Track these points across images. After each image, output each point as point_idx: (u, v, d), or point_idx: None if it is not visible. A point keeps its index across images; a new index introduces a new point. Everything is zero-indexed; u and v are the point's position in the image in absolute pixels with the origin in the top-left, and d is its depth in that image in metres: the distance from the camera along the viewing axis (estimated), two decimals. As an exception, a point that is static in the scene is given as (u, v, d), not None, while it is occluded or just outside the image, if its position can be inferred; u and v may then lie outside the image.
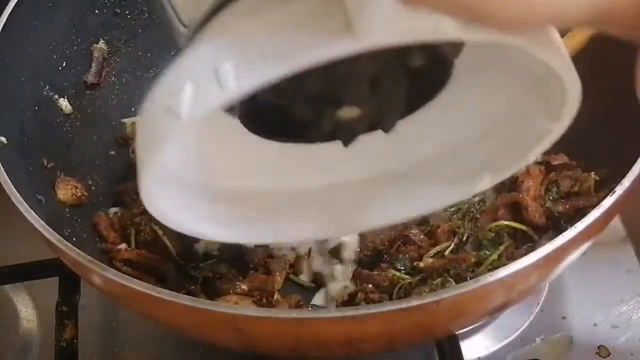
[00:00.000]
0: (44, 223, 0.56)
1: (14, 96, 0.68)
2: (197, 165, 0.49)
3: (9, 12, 0.68)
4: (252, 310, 0.54)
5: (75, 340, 0.66)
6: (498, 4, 0.32)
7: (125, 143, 0.77)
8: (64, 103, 0.74)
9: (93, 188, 0.72)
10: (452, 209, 0.70)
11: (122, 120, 0.79)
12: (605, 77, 0.59)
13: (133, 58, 0.81)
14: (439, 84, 0.45)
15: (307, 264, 0.70)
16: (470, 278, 0.61)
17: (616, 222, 0.75)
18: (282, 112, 0.42)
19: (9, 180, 0.58)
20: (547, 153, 0.70)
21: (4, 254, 0.76)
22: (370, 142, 0.47)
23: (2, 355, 0.72)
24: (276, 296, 0.66)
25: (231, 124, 0.44)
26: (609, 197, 0.54)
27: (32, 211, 0.57)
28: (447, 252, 0.67)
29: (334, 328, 0.51)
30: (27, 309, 0.75)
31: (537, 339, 0.68)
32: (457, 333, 0.62)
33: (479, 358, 0.68)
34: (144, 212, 0.68)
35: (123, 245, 0.67)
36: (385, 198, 0.53)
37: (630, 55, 0.37)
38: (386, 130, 0.45)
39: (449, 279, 0.64)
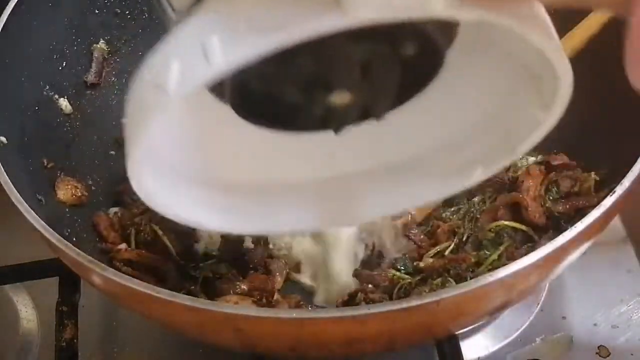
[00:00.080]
0: (44, 223, 0.56)
1: (14, 96, 0.68)
2: (190, 154, 0.49)
3: (9, 12, 0.68)
4: (252, 310, 0.54)
5: (75, 340, 0.66)
6: None
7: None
8: (64, 103, 0.74)
9: (93, 188, 0.72)
10: (452, 209, 0.70)
11: (122, 120, 0.78)
12: (605, 77, 0.59)
13: (133, 58, 0.80)
14: (431, 74, 0.45)
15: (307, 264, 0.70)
16: (470, 278, 0.61)
17: (616, 222, 0.75)
18: (273, 97, 0.42)
19: (9, 180, 0.58)
20: (547, 153, 0.70)
21: (4, 254, 0.76)
22: (363, 134, 0.46)
23: (2, 355, 0.72)
24: (276, 296, 0.66)
25: (225, 113, 0.44)
26: (609, 197, 0.54)
27: (32, 211, 0.57)
28: (447, 252, 0.67)
29: (334, 328, 0.51)
30: (27, 309, 0.75)
31: (537, 339, 0.68)
32: (457, 333, 0.62)
33: (479, 358, 0.68)
34: (144, 212, 0.69)
35: (123, 245, 0.67)
36: (379, 190, 0.53)
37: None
38: (377, 116, 0.45)
39: (449, 279, 0.64)
